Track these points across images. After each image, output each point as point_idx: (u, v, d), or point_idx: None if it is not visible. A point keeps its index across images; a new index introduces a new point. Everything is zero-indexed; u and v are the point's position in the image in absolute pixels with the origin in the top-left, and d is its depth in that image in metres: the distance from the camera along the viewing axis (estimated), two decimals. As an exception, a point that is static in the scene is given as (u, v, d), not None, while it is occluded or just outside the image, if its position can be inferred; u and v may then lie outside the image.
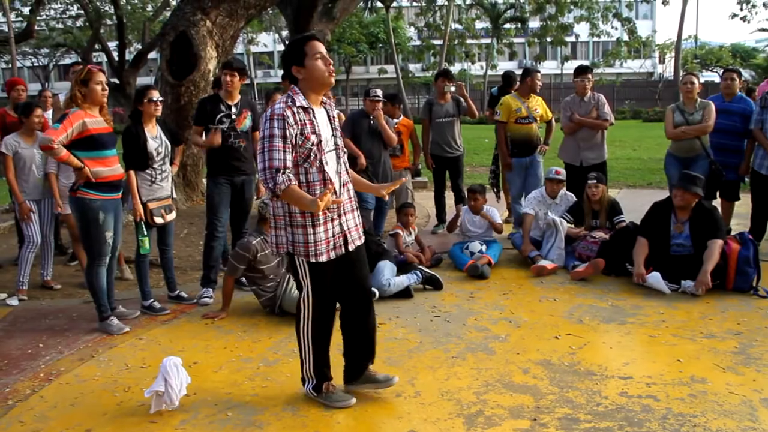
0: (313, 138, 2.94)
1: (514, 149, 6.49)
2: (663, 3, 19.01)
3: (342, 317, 3.27)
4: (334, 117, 3.13)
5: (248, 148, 5.08)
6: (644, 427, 2.90)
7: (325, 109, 3.10)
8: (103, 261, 4.31)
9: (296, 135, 2.91)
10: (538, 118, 6.55)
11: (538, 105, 6.60)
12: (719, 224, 4.94)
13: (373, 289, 4.22)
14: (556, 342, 3.95)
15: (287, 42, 3.09)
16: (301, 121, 2.93)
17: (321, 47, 2.97)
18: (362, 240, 3.22)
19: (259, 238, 4.56)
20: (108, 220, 4.24)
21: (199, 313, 4.67)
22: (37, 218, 5.19)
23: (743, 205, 6.38)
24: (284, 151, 2.88)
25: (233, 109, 4.95)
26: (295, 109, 2.93)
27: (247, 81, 6.02)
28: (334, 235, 3.05)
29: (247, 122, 5.04)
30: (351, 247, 3.12)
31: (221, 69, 5.09)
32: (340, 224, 3.08)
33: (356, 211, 3.21)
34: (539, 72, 6.78)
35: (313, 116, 2.98)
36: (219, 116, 4.91)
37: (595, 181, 5.70)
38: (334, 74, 3.06)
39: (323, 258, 3.03)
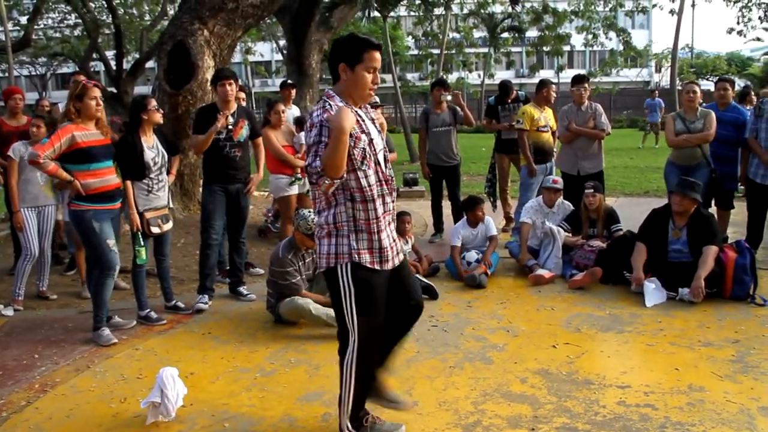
0: (364, 137, 2.68)
1: (536, 155, 6.69)
2: (659, 7, 19.18)
3: None
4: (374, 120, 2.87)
5: (244, 156, 5.09)
6: (642, 436, 2.90)
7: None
8: (112, 272, 4.31)
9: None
10: (551, 127, 6.81)
11: (550, 116, 6.88)
12: (716, 231, 4.95)
13: None
14: (554, 351, 3.95)
15: (343, 40, 2.81)
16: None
17: (378, 62, 2.67)
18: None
19: (291, 253, 4.56)
20: (104, 228, 4.23)
21: (197, 323, 4.65)
22: (36, 229, 5.17)
23: (739, 213, 6.39)
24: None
25: (230, 119, 4.95)
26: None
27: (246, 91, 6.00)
28: None
29: (244, 132, 5.04)
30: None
31: (212, 82, 5.07)
32: None
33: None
34: (554, 84, 7.07)
35: (357, 116, 2.70)
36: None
37: (592, 191, 5.71)
38: (373, 94, 2.80)
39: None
